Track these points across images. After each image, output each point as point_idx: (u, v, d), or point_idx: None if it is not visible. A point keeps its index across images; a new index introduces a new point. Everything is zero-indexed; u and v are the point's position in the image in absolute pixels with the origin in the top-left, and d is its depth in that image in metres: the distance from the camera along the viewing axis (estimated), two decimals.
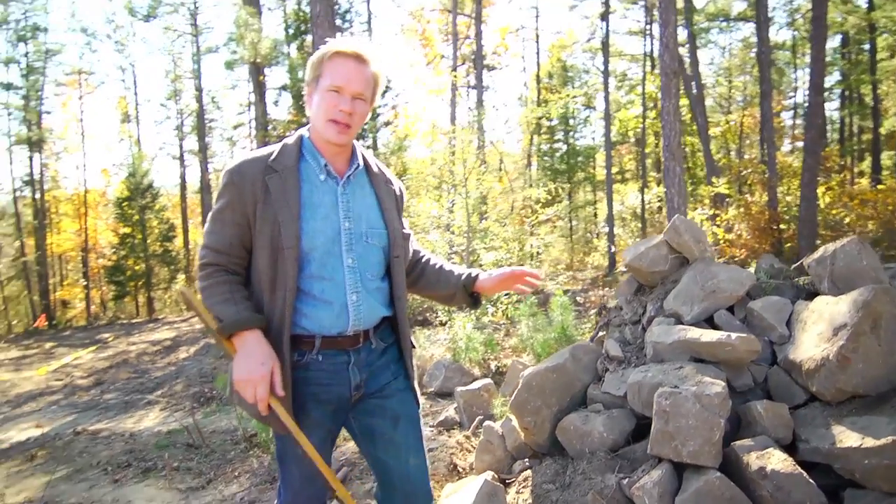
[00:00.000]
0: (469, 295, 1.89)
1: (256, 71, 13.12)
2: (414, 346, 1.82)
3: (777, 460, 1.98)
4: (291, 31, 14.81)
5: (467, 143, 8.05)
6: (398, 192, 1.84)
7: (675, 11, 8.80)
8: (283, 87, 14.92)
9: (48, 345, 14.80)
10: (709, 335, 2.42)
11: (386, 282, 1.73)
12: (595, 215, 29.42)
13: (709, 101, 29.92)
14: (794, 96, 27.14)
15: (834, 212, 12.29)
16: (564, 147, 26.82)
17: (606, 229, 21.99)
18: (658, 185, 24.43)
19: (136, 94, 28.77)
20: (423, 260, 1.93)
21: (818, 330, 2.22)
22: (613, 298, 3.59)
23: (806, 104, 12.49)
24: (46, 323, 20.73)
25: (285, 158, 1.63)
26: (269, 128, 13.18)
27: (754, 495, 1.98)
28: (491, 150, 32.60)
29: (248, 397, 1.51)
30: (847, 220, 12.04)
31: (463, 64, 25.04)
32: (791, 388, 2.31)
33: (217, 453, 4.28)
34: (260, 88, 13.33)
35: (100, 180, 29.86)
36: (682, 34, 27.30)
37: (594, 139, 29.22)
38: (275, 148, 1.67)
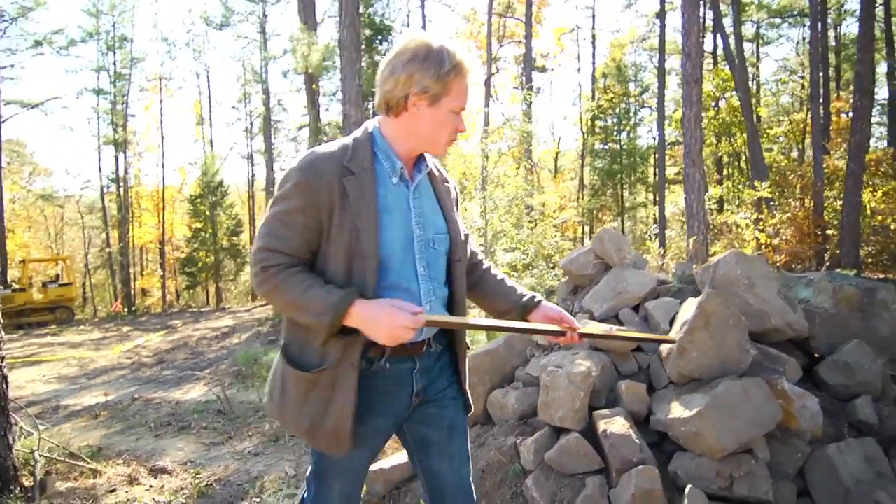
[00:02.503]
0: (523, 317, 1.78)
1: (310, 80, 14.10)
2: (468, 348, 1.83)
3: (617, 425, 2.46)
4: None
5: (483, 149, 8.57)
6: (454, 192, 1.77)
7: (698, 22, 8.99)
8: (334, 94, 15.91)
9: (125, 328, 16.48)
10: (600, 327, 2.92)
11: (447, 286, 1.66)
12: (651, 216, 29.07)
13: (783, 99, 28.88)
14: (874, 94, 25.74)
15: (879, 218, 11.95)
16: (618, 147, 26.62)
17: (657, 231, 21.84)
18: (719, 184, 23.96)
19: (209, 97, 30.74)
20: (484, 267, 1.86)
21: (678, 326, 2.68)
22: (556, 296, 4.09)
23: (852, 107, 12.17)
24: (122, 308, 22.68)
25: (361, 159, 1.51)
26: (321, 134, 14.13)
27: (601, 451, 2.50)
28: (548, 149, 32.80)
29: (409, 336, 1.44)
30: (892, 226, 11.69)
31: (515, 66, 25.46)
32: (660, 372, 2.77)
33: (240, 418, 5.10)
34: (313, 96, 14.31)
35: (176, 178, 32.21)
36: (748, 30, 26.51)
37: (654, 139, 28.89)
38: (346, 144, 1.54)
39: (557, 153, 32.25)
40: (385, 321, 1.40)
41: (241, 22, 26.42)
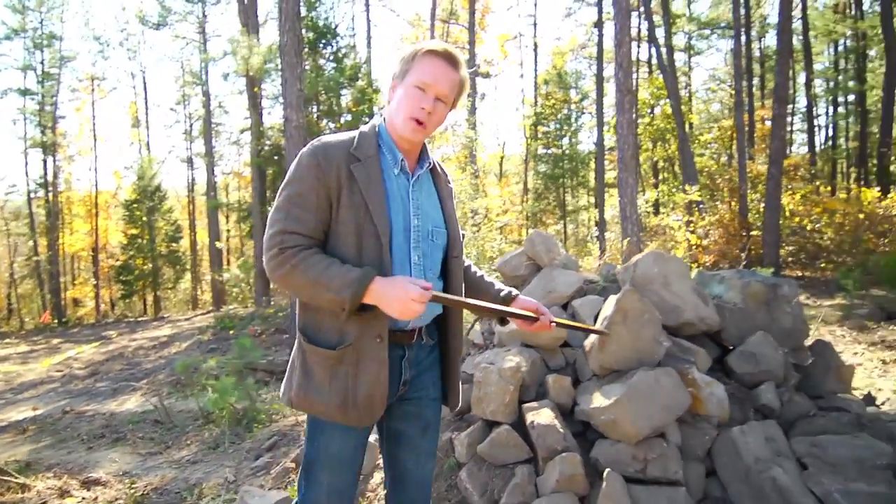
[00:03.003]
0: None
1: (251, 83, 13.87)
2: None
3: (543, 416, 2.63)
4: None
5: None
6: (454, 192, 1.86)
7: (629, 33, 9.41)
8: (276, 98, 15.70)
9: (55, 340, 15.69)
10: (565, 319, 3.08)
11: (441, 281, 1.73)
12: (592, 219, 29.92)
13: (714, 107, 30.35)
14: (794, 102, 27.39)
15: (797, 220, 12.79)
16: (560, 152, 27.29)
17: (598, 233, 22.51)
18: (654, 189, 24.97)
19: (146, 99, 29.71)
20: (467, 266, 1.93)
21: (599, 322, 2.87)
22: None
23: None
24: (51, 319, 21.57)
25: (367, 148, 1.60)
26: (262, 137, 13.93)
27: (530, 442, 2.65)
28: (493, 153, 33.29)
29: (419, 310, 1.47)
30: (808, 227, 12.53)
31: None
32: (584, 366, 2.96)
33: (178, 427, 5.01)
34: (254, 99, 14.09)
35: (111, 182, 30.89)
36: (680, 40, 27.74)
37: (594, 144, 29.77)
38: (352, 135, 1.63)
39: (502, 157, 32.79)
40: (400, 294, 1.45)
41: (178, 22, 25.63)
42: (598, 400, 2.56)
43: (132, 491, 3.53)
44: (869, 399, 3.66)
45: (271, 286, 16.28)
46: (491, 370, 2.80)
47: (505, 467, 2.69)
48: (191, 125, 29.73)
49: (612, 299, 2.75)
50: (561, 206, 28.26)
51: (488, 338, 3.52)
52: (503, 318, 1.88)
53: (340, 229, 1.56)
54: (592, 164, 27.74)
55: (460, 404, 3.17)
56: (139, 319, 21.79)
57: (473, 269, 1.96)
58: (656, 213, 21.13)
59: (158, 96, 61.20)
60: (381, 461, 1.94)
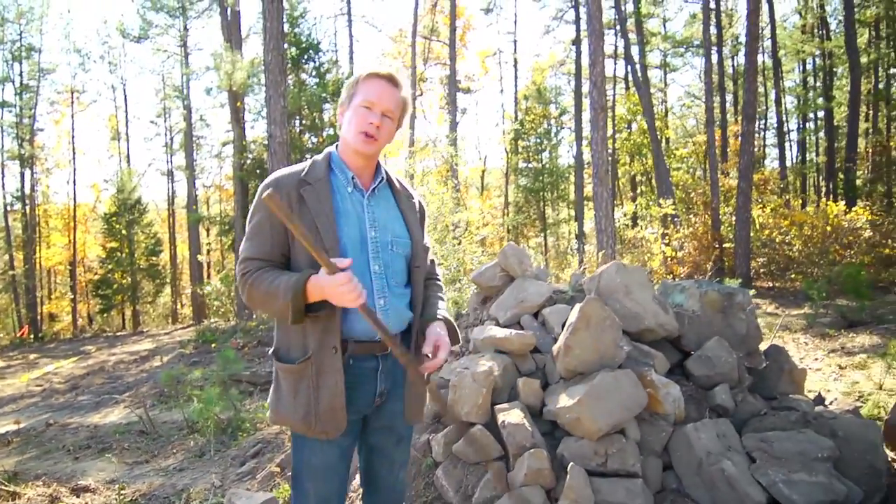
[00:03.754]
0: (422, 327, 1.88)
1: (234, 97, 14.02)
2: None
3: (513, 416, 2.83)
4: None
5: (408, 168, 8.92)
6: (419, 206, 1.95)
7: (602, 53, 9.77)
8: (259, 112, 15.87)
9: (32, 356, 15.50)
10: (500, 332, 3.29)
11: (409, 289, 1.81)
12: (572, 232, 30.35)
13: (690, 122, 31.11)
14: (765, 118, 28.18)
15: (766, 232, 13.22)
16: (539, 166, 27.74)
17: (577, 246, 22.88)
18: (633, 201, 25.50)
19: (126, 111, 29.56)
20: (429, 281, 1.99)
21: (566, 328, 3.09)
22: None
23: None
24: (29, 335, 21.26)
25: (317, 172, 1.74)
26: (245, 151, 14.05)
27: (502, 441, 2.85)
28: (475, 167, 33.71)
29: (349, 291, 1.53)
30: (778, 239, 12.96)
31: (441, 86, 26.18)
32: (553, 370, 3.17)
33: (163, 437, 5.11)
34: (237, 113, 14.22)
35: (89, 195, 30.61)
36: (655, 58, 28.46)
37: (574, 159, 30.30)
38: (306, 164, 1.78)
39: (484, 171, 33.21)
40: (331, 282, 1.54)
41: (160, 35, 25.69)
42: (564, 400, 2.77)
43: (121, 497, 3.65)
44: (819, 399, 3.92)
45: None
46: (465, 374, 3.00)
47: (478, 465, 2.88)
48: (171, 138, 29.68)
49: (577, 307, 2.98)
50: (541, 218, 28.70)
51: (464, 345, 3.73)
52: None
53: (297, 247, 1.68)
54: (572, 178, 28.27)
55: (436, 409, 3.38)
56: (118, 334, 21.56)
57: (434, 287, 1.97)
58: (635, 225, 21.63)
59: (139, 109, 60.85)
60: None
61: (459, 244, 7.96)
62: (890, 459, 3.26)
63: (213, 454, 4.44)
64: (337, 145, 1.86)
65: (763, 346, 4.08)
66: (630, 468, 2.63)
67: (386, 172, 1.88)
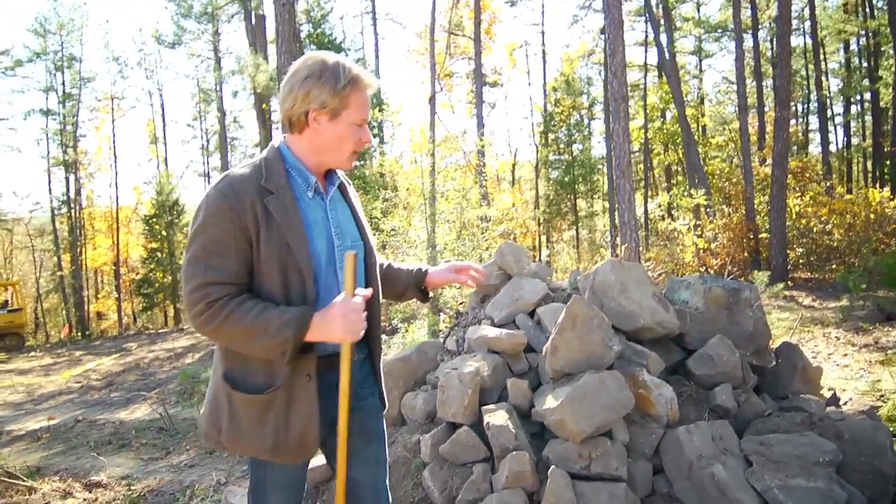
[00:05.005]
0: (420, 290, 1.94)
1: (259, 100, 14.27)
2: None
3: (498, 418, 2.79)
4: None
5: (427, 166, 8.93)
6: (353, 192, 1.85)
7: (622, 42, 9.54)
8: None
9: (78, 353, 16.21)
10: (491, 332, 3.24)
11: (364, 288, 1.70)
12: (604, 225, 29.85)
13: (728, 109, 30.15)
14: (808, 102, 27.07)
15: (804, 221, 12.73)
16: (570, 158, 27.38)
17: (610, 238, 22.50)
18: (667, 191, 24.92)
19: (163, 116, 30.43)
20: (380, 262, 1.92)
21: (554, 328, 3.03)
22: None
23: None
24: (70, 333, 22.13)
25: (276, 178, 1.54)
26: None
27: (487, 441, 2.82)
28: (505, 160, 33.49)
29: (362, 320, 1.51)
30: (816, 228, 12.47)
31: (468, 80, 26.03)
32: (545, 370, 3.12)
33: (180, 434, 5.26)
34: (263, 115, 14.48)
35: (131, 198, 31.70)
36: (689, 44, 27.68)
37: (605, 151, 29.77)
38: (257, 165, 1.56)
39: (514, 164, 32.95)
40: (340, 320, 1.46)
41: (193, 40, 26.32)
42: (549, 402, 2.72)
43: (130, 493, 3.77)
44: (833, 399, 3.75)
45: None
46: (452, 375, 2.98)
47: (464, 466, 2.85)
48: (207, 140, 30.50)
49: (565, 306, 2.91)
50: (573, 211, 28.33)
51: (461, 345, 3.70)
52: (425, 296, 2.00)
53: (263, 268, 1.50)
54: (604, 170, 27.79)
55: (429, 409, 3.36)
56: (159, 331, 22.32)
57: (381, 261, 1.93)
58: (671, 216, 21.16)
59: (175, 113, 63.00)
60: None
61: (474, 237, 7.92)
62: None
63: (223, 452, 4.54)
64: (284, 141, 1.63)
65: (780, 342, 3.93)
66: (614, 472, 2.56)
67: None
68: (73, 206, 26.15)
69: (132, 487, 3.89)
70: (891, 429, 3.20)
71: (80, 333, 23.11)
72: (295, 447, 1.58)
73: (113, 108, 28.31)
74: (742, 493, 2.53)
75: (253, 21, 14.56)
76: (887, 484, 2.67)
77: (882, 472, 2.69)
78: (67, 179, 26.06)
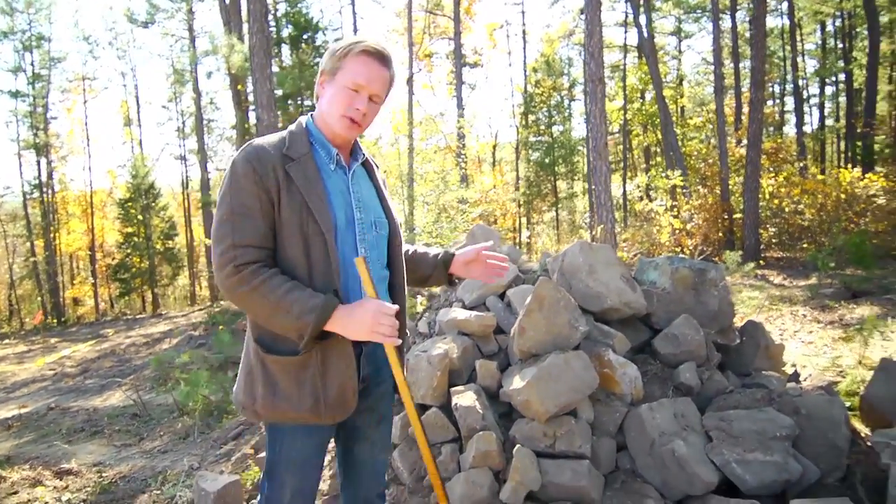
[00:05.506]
0: (446, 274, 1.93)
1: (234, 81, 14.01)
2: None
3: (466, 399, 2.82)
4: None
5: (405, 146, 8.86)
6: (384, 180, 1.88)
7: (600, 23, 9.51)
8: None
9: (53, 340, 15.95)
10: (461, 314, 3.27)
11: (388, 271, 1.73)
12: (584, 206, 29.98)
13: (707, 90, 30.29)
14: (784, 83, 27.27)
15: (776, 202, 12.93)
16: (550, 139, 27.37)
17: (589, 220, 22.63)
18: (645, 172, 25.08)
19: (137, 97, 29.77)
20: (406, 250, 1.93)
21: (522, 310, 3.06)
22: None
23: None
24: (43, 320, 21.77)
25: (299, 146, 1.58)
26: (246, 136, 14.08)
27: (456, 422, 2.85)
28: (485, 142, 33.41)
29: (392, 323, 1.52)
30: (788, 208, 12.68)
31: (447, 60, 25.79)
32: (513, 351, 3.16)
33: (154, 420, 5.24)
34: (238, 97, 14.22)
35: (105, 181, 31.08)
36: (669, 24, 27.68)
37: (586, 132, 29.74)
38: (282, 136, 1.62)
39: (495, 146, 32.87)
40: (370, 320, 1.49)
41: (167, 19, 25.63)
42: (516, 382, 2.76)
43: (101, 480, 3.75)
44: (794, 376, 3.85)
45: None
46: (421, 357, 3.00)
47: (433, 446, 2.88)
48: (183, 122, 29.87)
49: (533, 288, 2.94)
50: (554, 192, 28.40)
51: (432, 327, 3.72)
52: (451, 281, 1.98)
53: (285, 232, 1.52)
54: (584, 151, 27.83)
55: None
56: (137, 317, 22.04)
57: (406, 247, 1.93)
58: (649, 198, 21.32)
59: (150, 94, 61.38)
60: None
61: (452, 219, 7.92)
62: (863, 435, 3.20)
63: (197, 436, 4.54)
64: (311, 116, 1.70)
65: (747, 320, 4.01)
66: (577, 450, 2.61)
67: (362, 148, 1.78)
68: (45, 190, 25.52)
69: (103, 474, 3.87)
70: (847, 404, 3.30)
71: (55, 320, 22.75)
72: (336, 404, 1.58)
73: (84, 89, 27.61)
74: (701, 467, 2.60)
75: (227, 0, 14.23)
76: (840, 457, 2.76)
77: (836, 446, 2.78)
78: (39, 163, 25.40)
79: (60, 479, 3.81)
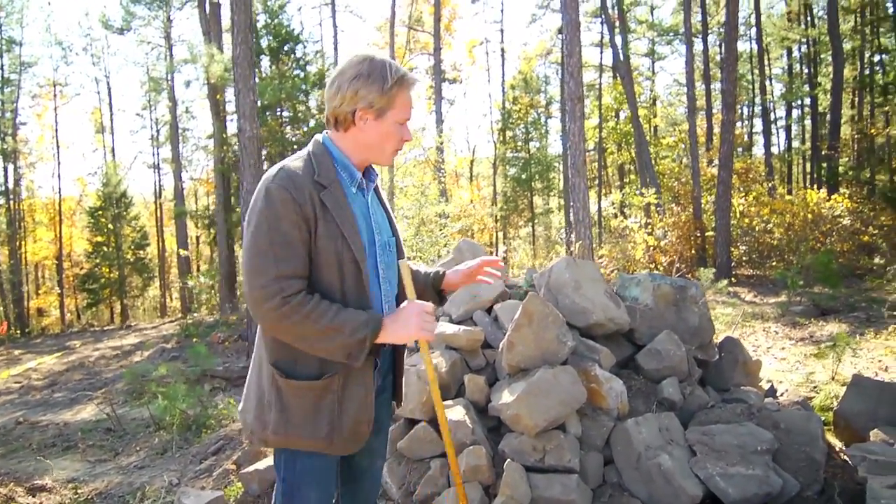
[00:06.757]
0: (437, 292, 1.95)
1: (213, 90, 13.90)
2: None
3: (455, 413, 2.84)
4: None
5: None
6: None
7: (579, 43, 9.73)
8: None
9: (17, 351, 15.43)
10: (449, 329, 3.30)
11: (396, 287, 1.76)
12: (560, 222, 30.33)
13: (679, 110, 31.05)
14: (752, 105, 28.10)
15: (747, 221, 13.28)
16: (527, 156, 27.69)
17: (565, 235, 22.87)
18: (620, 189, 25.53)
19: (110, 104, 29.21)
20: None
21: (511, 325, 3.10)
22: None
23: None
24: (7, 331, 21.08)
25: (328, 172, 1.58)
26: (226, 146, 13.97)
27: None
28: (463, 157, 33.64)
29: (433, 328, 1.60)
30: (758, 227, 13.03)
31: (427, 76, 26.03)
32: (501, 366, 3.19)
33: (129, 435, 5.12)
34: (217, 106, 14.11)
35: (75, 189, 30.38)
36: (643, 45, 28.37)
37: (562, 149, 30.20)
38: (308, 160, 1.60)
39: (472, 161, 33.12)
40: (414, 310, 1.56)
41: (143, 27, 25.32)
42: (505, 397, 2.79)
43: (76, 496, 3.65)
44: (771, 391, 3.96)
45: (238, 294, 16.29)
46: (410, 371, 3.01)
47: (421, 461, 2.89)
48: (157, 130, 29.44)
49: (522, 303, 2.99)
50: (530, 208, 28.70)
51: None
52: (441, 297, 2.01)
53: (321, 259, 1.52)
54: (560, 168, 28.22)
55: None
56: (105, 329, 21.48)
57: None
58: (623, 215, 21.66)
59: (124, 101, 60.38)
60: None
61: (432, 233, 7.95)
62: (838, 449, 3.31)
63: (176, 451, 4.45)
64: (328, 135, 1.66)
65: (723, 337, 4.12)
66: (566, 464, 2.65)
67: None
68: (11, 197, 24.82)
69: (79, 491, 3.77)
70: (822, 418, 3.41)
71: (18, 331, 22.02)
72: (350, 434, 1.58)
73: (56, 95, 27.03)
74: (686, 480, 2.66)
75: (207, 9, 14.15)
76: (818, 470, 2.84)
77: (814, 460, 2.87)
78: (6, 169, 24.70)
79: (34, 496, 3.70)
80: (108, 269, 24.48)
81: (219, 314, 14.35)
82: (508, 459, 2.62)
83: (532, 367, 2.91)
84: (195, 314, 16.88)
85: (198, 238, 30.51)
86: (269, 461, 3.38)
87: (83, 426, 5.57)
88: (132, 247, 25.40)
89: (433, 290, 1.94)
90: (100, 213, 24.47)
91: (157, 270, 27.44)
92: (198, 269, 27.36)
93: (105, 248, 24.39)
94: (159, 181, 29.61)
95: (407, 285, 1.63)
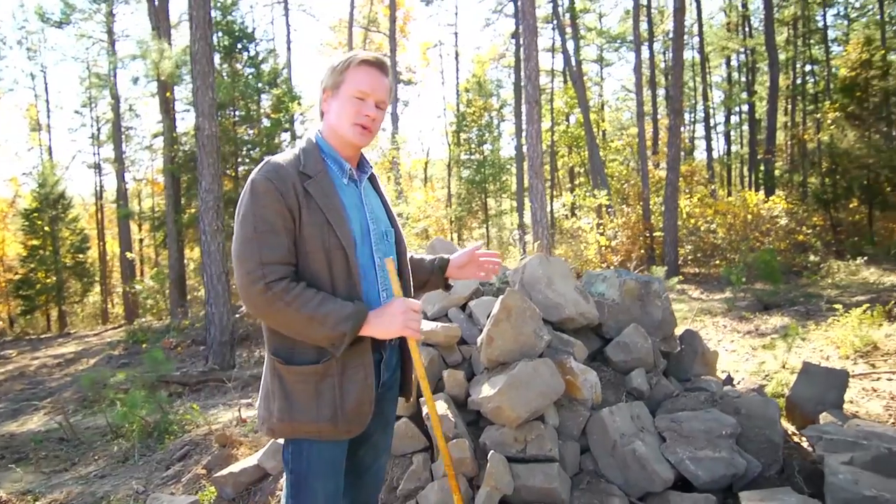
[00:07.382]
0: (442, 279, 1.99)
1: (163, 87, 13.45)
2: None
3: (438, 408, 2.90)
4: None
5: None
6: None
7: (536, 48, 9.94)
8: (191, 103, 15.27)
9: None
10: (426, 325, 3.34)
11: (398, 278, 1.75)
12: (513, 223, 30.76)
13: (626, 115, 32.00)
14: (694, 111, 29.28)
15: (692, 221, 13.85)
16: (481, 158, 27.97)
17: (518, 236, 23.22)
18: (571, 192, 26.11)
19: (47, 101, 27.82)
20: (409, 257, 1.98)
21: (489, 320, 3.17)
22: None
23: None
24: None
25: (314, 164, 1.62)
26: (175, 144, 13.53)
27: (426, 432, 2.91)
28: (418, 158, 33.66)
29: (420, 318, 1.63)
30: (703, 228, 13.60)
31: None
32: (479, 361, 3.25)
33: (85, 444, 4.91)
34: (167, 104, 13.66)
35: (8, 190, 28.72)
36: (592, 52, 29.11)
37: (515, 150, 30.63)
38: (296, 153, 1.65)
39: (427, 163, 33.21)
40: (401, 316, 1.57)
41: (84, 20, 24.22)
42: (486, 390, 2.85)
43: None
44: (728, 380, 4.18)
45: (187, 297, 15.79)
46: None
47: (404, 456, 2.92)
48: (98, 129, 28.23)
49: (498, 299, 3.06)
50: (484, 210, 29.00)
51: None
52: (447, 285, 2.07)
53: (307, 247, 1.55)
54: (513, 170, 28.65)
55: None
56: (42, 336, 20.40)
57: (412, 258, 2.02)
58: (573, 216, 22.12)
59: (62, 98, 57.41)
60: None
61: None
62: (790, 433, 3.52)
63: (138, 459, 4.30)
64: (319, 132, 1.73)
65: (679, 331, 4.31)
66: (548, 453, 2.73)
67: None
68: None
69: (37, 502, 3.61)
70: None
71: None
72: (353, 415, 1.60)
73: None
74: (659, 465, 2.79)
75: (156, 2, 13.68)
76: (777, 451, 3.03)
77: (773, 442, 3.06)
78: None
79: None
80: (44, 274, 23.22)
81: (169, 319, 13.85)
82: (492, 451, 2.68)
83: (511, 360, 2.99)
84: (142, 319, 16.23)
85: (142, 241, 29.37)
86: (243, 464, 3.34)
87: (33, 437, 5.31)
88: (71, 250, 24.19)
89: (439, 276, 1.99)
90: (35, 214, 23.20)
91: (98, 275, 26.26)
92: (141, 274, 26.33)
93: (41, 252, 23.12)
94: (100, 182, 28.41)
95: (393, 281, 1.65)
